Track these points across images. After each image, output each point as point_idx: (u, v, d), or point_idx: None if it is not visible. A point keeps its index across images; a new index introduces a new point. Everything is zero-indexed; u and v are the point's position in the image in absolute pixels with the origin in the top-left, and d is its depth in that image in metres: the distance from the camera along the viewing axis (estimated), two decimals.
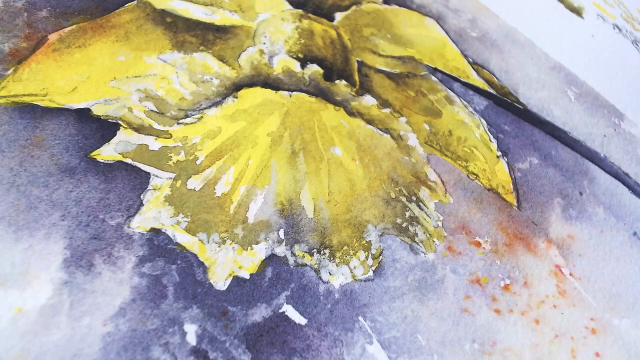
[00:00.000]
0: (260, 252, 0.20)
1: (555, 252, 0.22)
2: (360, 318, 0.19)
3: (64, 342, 0.17)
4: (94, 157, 0.21)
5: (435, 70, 0.28)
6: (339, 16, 0.29)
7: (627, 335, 0.20)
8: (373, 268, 0.21)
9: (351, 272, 0.20)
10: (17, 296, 0.18)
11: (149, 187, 0.21)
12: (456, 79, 0.28)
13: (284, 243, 0.21)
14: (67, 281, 0.18)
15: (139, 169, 0.21)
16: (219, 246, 0.20)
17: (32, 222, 0.19)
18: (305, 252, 0.21)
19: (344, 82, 0.26)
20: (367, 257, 0.21)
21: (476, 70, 0.29)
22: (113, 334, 0.17)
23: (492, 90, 0.28)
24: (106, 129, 0.22)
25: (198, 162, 0.22)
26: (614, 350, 0.20)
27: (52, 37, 0.25)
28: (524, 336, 0.20)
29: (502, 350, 0.19)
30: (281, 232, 0.21)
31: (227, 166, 0.22)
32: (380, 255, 0.21)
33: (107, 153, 0.22)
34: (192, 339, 0.18)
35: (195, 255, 0.20)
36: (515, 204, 0.24)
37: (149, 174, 0.21)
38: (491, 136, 0.26)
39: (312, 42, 0.28)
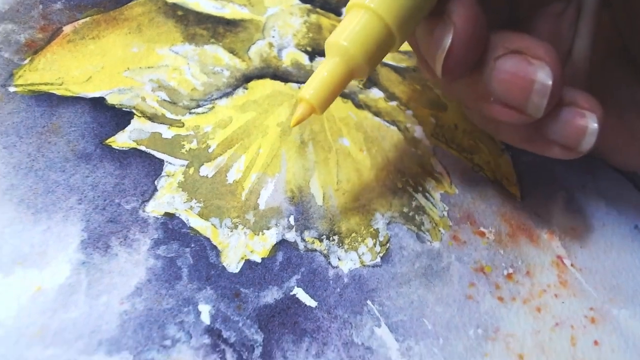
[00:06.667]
0: (271, 237, 0.21)
1: (557, 243, 0.23)
2: (369, 302, 0.20)
3: (83, 319, 0.17)
4: (109, 144, 0.22)
5: None
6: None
7: (625, 325, 0.21)
8: (381, 255, 0.21)
9: (359, 258, 0.21)
10: (37, 275, 0.18)
11: (163, 173, 0.22)
12: None
13: (294, 229, 0.21)
14: (85, 262, 0.19)
15: (153, 156, 0.22)
16: (231, 231, 0.21)
17: (50, 205, 0.20)
18: (315, 238, 0.21)
19: None
20: (375, 244, 0.21)
21: None
22: (130, 312, 0.18)
23: None
24: (120, 117, 0.23)
25: (210, 150, 0.23)
26: (612, 339, 0.20)
27: (67, 28, 0.26)
28: (526, 323, 0.20)
29: (505, 336, 0.20)
30: (291, 219, 0.21)
31: (238, 154, 0.23)
32: (387, 242, 0.22)
33: (121, 140, 0.22)
34: (206, 318, 0.18)
35: (208, 239, 0.20)
36: (519, 195, 0.24)
37: (162, 161, 0.22)
38: None
39: (320, 36, 0.28)
